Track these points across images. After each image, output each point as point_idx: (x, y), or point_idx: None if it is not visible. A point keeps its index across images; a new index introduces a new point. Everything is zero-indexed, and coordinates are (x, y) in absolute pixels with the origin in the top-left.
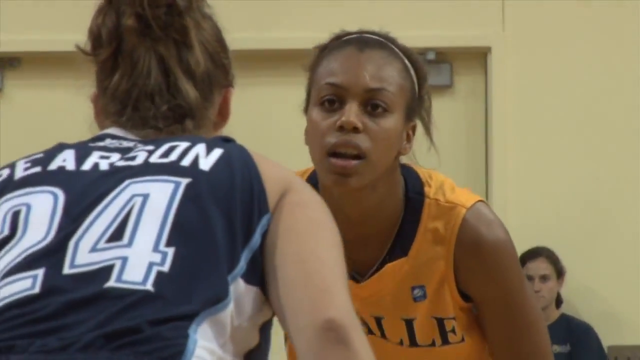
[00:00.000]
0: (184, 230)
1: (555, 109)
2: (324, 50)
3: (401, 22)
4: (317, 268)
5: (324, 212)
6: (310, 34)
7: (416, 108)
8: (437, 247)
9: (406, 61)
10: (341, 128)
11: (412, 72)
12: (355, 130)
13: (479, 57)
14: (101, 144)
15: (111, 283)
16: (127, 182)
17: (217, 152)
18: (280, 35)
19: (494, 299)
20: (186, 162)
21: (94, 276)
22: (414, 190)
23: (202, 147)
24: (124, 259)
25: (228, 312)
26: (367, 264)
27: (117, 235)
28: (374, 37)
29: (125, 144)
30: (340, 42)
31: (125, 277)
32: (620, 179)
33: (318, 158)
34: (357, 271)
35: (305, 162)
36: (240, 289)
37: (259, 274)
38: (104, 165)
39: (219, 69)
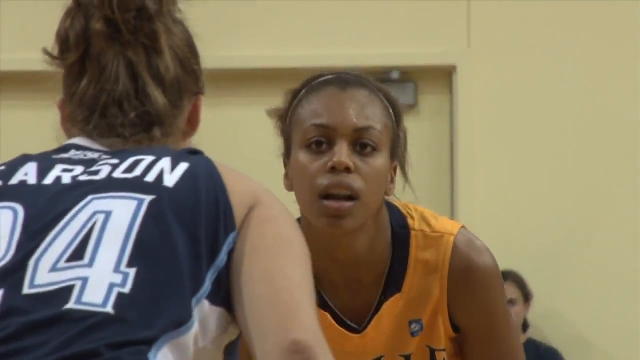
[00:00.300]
0: (146, 250)
1: (522, 129)
2: (299, 93)
3: (364, 40)
4: (285, 286)
5: (292, 227)
6: (274, 53)
7: (397, 147)
8: (430, 277)
9: (384, 100)
10: (332, 169)
11: (391, 110)
12: (347, 170)
13: (444, 75)
14: (65, 155)
15: (71, 304)
16: (89, 197)
17: (182, 167)
18: (245, 54)
19: (481, 326)
20: (150, 177)
21: (54, 297)
22: (398, 224)
23: (167, 162)
24: (84, 280)
25: (191, 335)
26: (363, 309)
27: (77, 254)
28: (351, 76)
29: (90, 154)
30: (317, 83)
31: (85, 298)
32: (588, 200)
33: (308, 201)
34: (354, 320)
35: (271, 183)
36: (205, 310)
37: (225, 294)
38: (66, 179)
39: (189, 76)
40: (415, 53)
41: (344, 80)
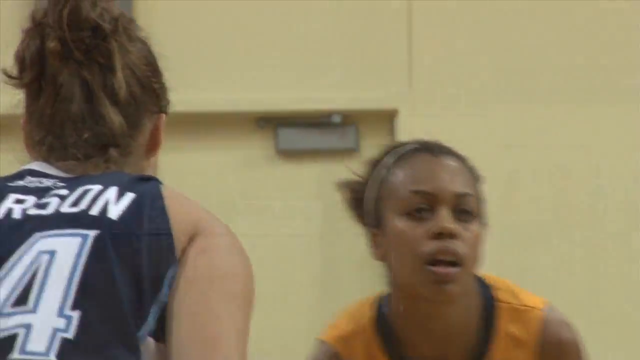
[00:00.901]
0: (90, 291)
1: None
2: (380, 162)
3: (305, 84)
4: (209, 323)
5: (233, 256)
6: (219, 96)
7: (483, 212)
8: (517, 352)
9: (467, 166)
10: (439, 235)
11: (475, 176)
12: (452, 236)
13: (386, 119)
14: (20, 183)
15: (15, 355)
16: (35, 235)
17: (128, 198)
18: (190, 98)
19: None
20: (95, 210)
21: None
22: (485, 295)
23: (114, 192)
24: (28, 327)
25: None
26: None
27: (22, 299)
28: (434, 143)
29: (46, 182)
30: (406, 151)
31: (29, 347)
32: (536, 250)
33: (412, 268)
34: None
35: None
36: (149, 349)
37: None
38: (17, 213)
39: (148, 94)
40: (357, 97)
41: (432, 147)
